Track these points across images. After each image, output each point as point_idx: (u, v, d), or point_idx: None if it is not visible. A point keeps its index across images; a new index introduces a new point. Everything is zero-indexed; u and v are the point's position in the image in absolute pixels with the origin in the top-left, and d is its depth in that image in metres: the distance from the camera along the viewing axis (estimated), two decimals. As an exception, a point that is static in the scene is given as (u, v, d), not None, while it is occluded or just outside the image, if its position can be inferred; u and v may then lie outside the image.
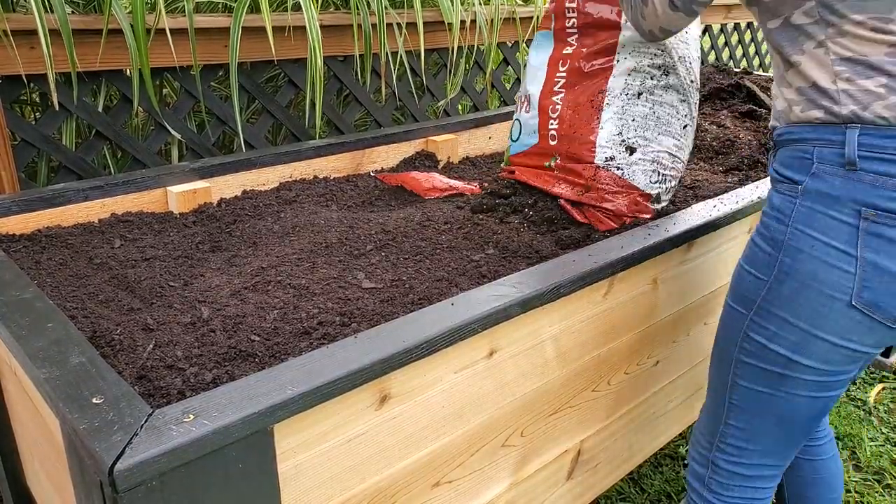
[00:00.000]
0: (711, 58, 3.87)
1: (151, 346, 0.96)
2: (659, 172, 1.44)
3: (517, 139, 1.58)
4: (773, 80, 1.15)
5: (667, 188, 1.47)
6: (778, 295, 1.07)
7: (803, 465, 1.40)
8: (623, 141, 1.42)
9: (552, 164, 1.50)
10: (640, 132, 1.43)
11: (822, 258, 1.03)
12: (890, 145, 0.97)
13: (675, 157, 1.47)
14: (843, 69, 1.00)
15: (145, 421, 0.73)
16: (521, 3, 2.72)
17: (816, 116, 1.03)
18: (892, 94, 0.97)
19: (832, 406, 1.17)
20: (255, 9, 1.87)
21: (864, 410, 2.42)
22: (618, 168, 1.42)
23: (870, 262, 1.00)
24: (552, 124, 1.49)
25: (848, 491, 2.05)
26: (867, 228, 0.99)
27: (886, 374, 2.49)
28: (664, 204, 1.48)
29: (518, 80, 2.84)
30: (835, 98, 1.00)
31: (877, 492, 2.05)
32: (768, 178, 1.62)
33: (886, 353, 2.49)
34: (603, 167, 1.42)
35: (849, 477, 2.11)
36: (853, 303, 1.01)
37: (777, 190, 1.10)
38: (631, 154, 1.42)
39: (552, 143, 1.49)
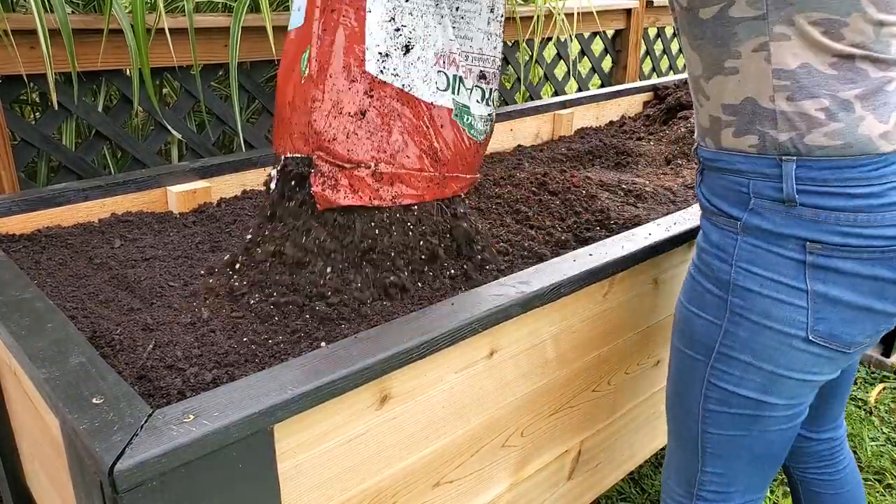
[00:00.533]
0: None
1: (151, 346, 0.96)
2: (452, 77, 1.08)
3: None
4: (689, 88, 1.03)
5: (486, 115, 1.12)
6: (736, 338, 1.01)
7: (822, 498, 1.35)
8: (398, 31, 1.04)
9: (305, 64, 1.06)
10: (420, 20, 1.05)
11: (772, 296, 0.97)
12: (830, 177, 0.91)
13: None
14: (784, 84, 0.91)
15: (145, 421, 0.73)
16: (521, 2, 2.71)
17: (751, 144, 0.95)
18: (833, 119, 0.89)
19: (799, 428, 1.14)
20: (255, 8, 1.87)
21: (864, 410, 2.42)
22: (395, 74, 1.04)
23: (820, 294, 0.95)
24: None
25: (848, 491, 2.05)
26: (814, 262, 0.94)
27: (887, 373, 2.49)
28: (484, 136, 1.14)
29: (518, 79, 2.84)
30: (773, 120, 0.92)
31: (878, 491, 2.04)
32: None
33: (887, 353, 2.49)
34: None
35: None
36: (810, 337, 0.97)
37: (713, 223, 1.03)
38: (407, 53, 1.05)
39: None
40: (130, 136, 1.89)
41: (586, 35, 3.09)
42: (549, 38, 2.84)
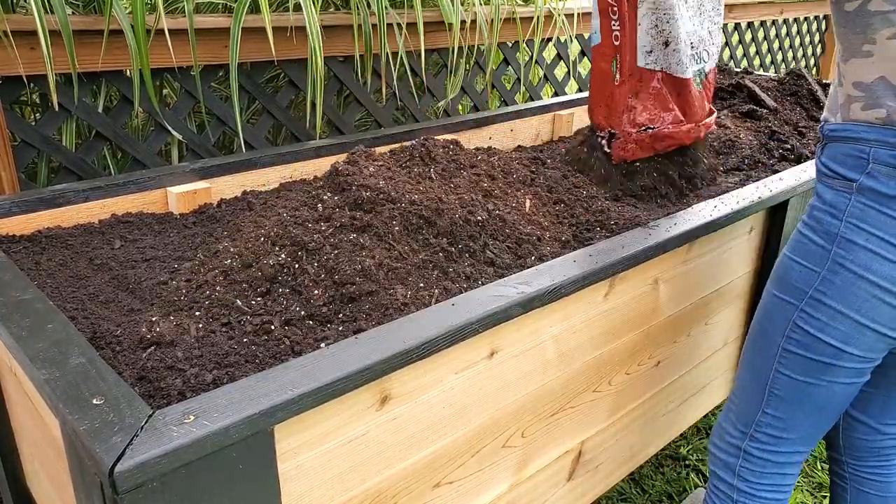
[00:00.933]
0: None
1: (152, 346, 0.96)
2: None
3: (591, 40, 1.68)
4: (836, 67, 1.15)
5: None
6: (831, 285, 1.10)
7: (871, 499, 1.38)
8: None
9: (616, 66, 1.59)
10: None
11: (875, 250, 1.06)
12: None
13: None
14: None
15: (146, 422, 0.73)
16: (521, 3, 2.71)
17: (877, 116, 1.04)
18: None
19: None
20: (255, 9, 1.87)
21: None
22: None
23: None
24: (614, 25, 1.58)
25: (849, 491, 2.05)
26: None
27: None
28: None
29: (518, 80, 2.84)
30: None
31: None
32: (769, 175, 1.63)
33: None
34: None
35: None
36: None
37: (828, 185, 1.12)
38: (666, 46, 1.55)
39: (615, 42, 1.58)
40: (131, 137, 1.89)
41: (586, 35, 3.08)
42: (549, 39, 2.84)
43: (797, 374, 1.16)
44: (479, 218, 1.26)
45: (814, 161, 1.18)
